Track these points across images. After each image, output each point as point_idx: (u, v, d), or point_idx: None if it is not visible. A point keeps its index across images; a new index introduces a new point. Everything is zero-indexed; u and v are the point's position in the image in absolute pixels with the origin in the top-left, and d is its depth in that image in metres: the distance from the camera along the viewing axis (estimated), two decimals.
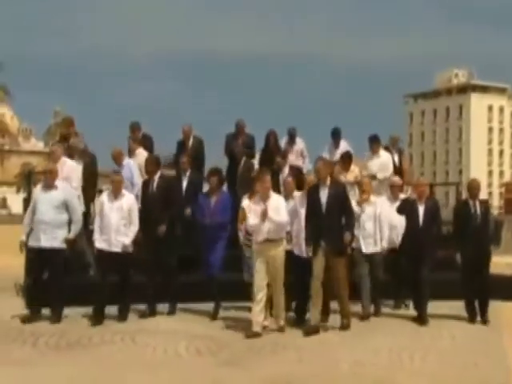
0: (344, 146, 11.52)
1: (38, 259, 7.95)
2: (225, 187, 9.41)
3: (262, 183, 7.50)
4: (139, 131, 10.91)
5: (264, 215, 7.30)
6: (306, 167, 10.76)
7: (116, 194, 8.01)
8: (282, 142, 11.44)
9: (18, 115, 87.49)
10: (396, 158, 10.97)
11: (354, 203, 8.29)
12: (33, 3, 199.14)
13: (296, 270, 7.83)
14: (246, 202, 8.25)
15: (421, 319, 8.08)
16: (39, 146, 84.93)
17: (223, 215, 8.19)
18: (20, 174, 64.47)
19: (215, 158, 11.25)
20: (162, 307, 8.37)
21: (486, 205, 8.53)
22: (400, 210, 8.47)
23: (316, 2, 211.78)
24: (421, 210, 8.19)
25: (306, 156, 11.37)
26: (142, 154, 10.17)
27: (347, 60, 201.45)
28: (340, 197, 7.64)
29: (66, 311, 8.01)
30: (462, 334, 7.63)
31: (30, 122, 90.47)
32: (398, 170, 10.71)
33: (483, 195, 7.72)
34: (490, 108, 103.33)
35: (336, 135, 11.36)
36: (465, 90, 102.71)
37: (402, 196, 9.37)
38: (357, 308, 8.33)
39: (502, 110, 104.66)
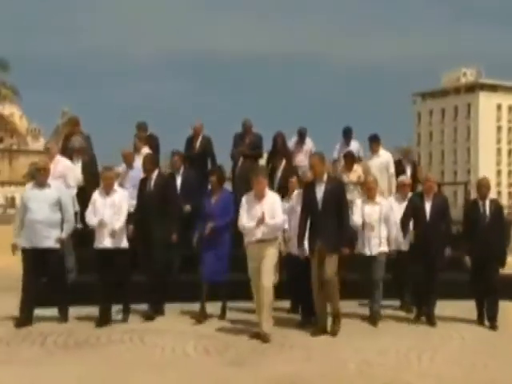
0: (355, 145, 11.52)
1: (32, 260, 7.68)
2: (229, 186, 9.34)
3: (257, 183, 7.28)
4: (145, 131, 11.13)
5: (260, 222, 7.06)
6: None
7: (108, 190, 7.85)
8: (291, 142, 11.50)
9: (27, 115, 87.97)
10: (409, 171, 10.61)
11: (358, 203, 8.20)
12: (33, 3, 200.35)
13: (295, 270, 7.80)
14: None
15: (428, 320, 8.02)
16: None
17: (223, 215, 7.92)
18: (28, 173, 64.65)
19: (217, 158, 11.29)
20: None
21: (497, 204, 8.34)
22: (407, 207, 8.32)
23: (316, 2, 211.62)
24: (428, 205, 8.05)
25: None
26: (146, 152, 10.24)
27: (347, 60, 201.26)
28: (337, 193, 7.42)
29: (74, 311, 8.01)
30: (471, 334, 7.58)
31: (39, 122, 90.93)
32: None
33: (492, 194, 7.59)
34: (499, 107, 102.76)
35: (347, 134, 11.44)
36: (473, 88, 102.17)
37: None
38: (351, 308, 8.30)
39: (510, 108, 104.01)
